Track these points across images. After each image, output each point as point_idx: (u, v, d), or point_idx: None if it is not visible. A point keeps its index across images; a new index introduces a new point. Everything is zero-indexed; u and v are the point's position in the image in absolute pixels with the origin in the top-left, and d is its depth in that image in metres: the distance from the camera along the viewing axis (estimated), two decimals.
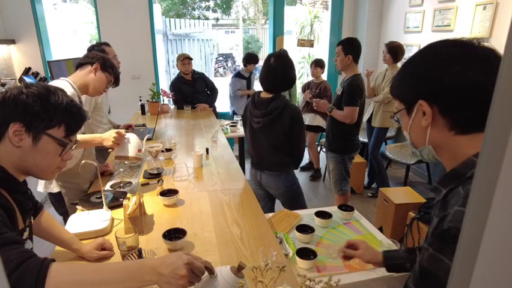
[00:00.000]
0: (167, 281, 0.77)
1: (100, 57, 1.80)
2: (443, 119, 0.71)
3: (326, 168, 3.07)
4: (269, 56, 2.05)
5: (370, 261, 1.17)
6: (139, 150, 1.73)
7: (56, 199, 1.85)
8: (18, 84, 3.56)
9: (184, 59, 3.76)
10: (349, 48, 2.47)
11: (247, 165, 4.33)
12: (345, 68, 2.53)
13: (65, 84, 1.67)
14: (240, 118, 3.91)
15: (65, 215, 1.82)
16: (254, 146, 2.18)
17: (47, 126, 0.92)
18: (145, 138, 1.87)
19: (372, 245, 1.26)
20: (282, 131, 2.02)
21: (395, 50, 3.35)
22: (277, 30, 4.76)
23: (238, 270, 0.82)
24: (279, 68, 1.99)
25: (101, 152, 2.51)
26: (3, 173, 0.88)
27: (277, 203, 2.37)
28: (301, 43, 4.68)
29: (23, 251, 0.75)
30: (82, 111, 1.01)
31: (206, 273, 0.83)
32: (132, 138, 1.73)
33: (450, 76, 0.67)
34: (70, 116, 0.96)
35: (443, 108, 0.70)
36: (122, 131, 1.71)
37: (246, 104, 2.27)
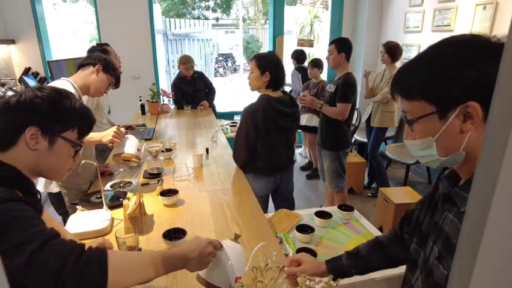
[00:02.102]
0: (197, 262, 0.90)
1: (102, 58, 1.81)
2: (485, 121, 0.65)
3: (318, 166, 3.07)
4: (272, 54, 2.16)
5: (315, 274, 1.09)
6: (138, 150, 1.73)
7: (56, 199, 1.85)
8: (18, 84, 3.56)
9: (189, 64, 3.78)
10: (342, 46, 2.56)
11: None
12: (337, 66, 2.62)
13: (67, 84, 1.67)
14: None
15: (65, 215, 1.82)
16: (278, 148, 2.10)
17: (62, 129, 0.94)
18: (145, 144, 1.91)
19: None
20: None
21: (393, 50, 3.33)
22: (277, 30, 4.76)
23: (236, 239, 1.01)
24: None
25: (101, 152, 2.52)
26: (19, 175, 0.89)
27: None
28: (301, 43, 4.68)
29: (72, 241, 0.78)
30: (92, 114, 1.05)
31: None
32: (131, 137, 1.76)
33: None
34: (82, 118, 1.00)
35: None
36: (122, 129, 1.72)
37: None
